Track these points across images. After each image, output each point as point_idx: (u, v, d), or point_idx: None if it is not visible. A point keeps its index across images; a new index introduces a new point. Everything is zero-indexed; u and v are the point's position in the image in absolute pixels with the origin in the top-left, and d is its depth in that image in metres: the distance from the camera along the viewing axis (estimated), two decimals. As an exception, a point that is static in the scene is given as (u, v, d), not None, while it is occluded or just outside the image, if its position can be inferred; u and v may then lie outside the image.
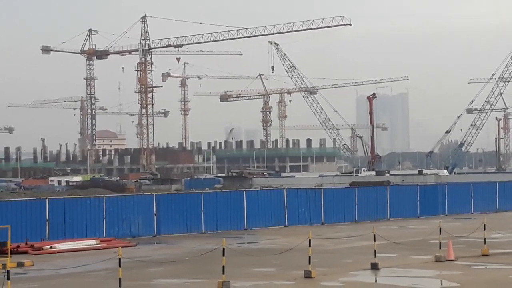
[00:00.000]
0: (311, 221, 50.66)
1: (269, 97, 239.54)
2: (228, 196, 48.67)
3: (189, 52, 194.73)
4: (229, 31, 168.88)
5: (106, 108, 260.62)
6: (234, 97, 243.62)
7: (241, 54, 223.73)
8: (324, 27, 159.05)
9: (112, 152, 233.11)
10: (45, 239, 38.86)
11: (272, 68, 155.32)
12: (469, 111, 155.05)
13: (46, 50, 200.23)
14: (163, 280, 26.50)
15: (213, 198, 47.61)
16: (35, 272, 29.42)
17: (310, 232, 27.56)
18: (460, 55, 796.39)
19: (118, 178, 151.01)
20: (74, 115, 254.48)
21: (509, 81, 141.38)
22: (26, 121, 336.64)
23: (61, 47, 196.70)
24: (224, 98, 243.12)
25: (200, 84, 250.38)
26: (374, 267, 28.29)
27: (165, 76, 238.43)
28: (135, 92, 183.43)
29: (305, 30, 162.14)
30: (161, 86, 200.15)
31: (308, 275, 26.09)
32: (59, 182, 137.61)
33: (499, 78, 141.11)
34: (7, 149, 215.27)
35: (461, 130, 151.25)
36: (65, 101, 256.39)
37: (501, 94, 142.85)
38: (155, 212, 44.17)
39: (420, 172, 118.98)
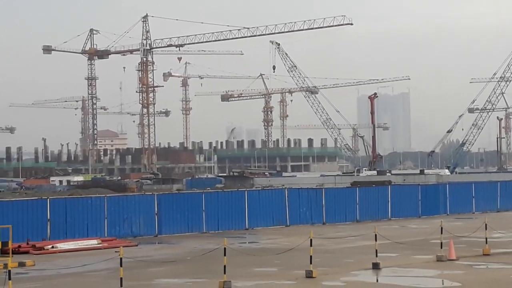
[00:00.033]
0: (312, 221, 50.65)
1: (271, 96, 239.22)
2: (229, 196, 48.61)
3: (190, 52, 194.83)
4: (230, 30, 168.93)
5: (108, 108, 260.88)
6: (236, 97, 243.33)
7: (242, 54, 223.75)
8: (326, 27, 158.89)
9: (114, 152, 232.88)
10: (46, 239, 38.85)
11: (274, 67, 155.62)
12: (471, 110, 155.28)
13: (47, 50, 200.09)
14: (164, 280, 26.49)
15: (215, 198, 47.59)
16: (37, 272, 29.40)
17: (312, 232, 27.58)
18: (460, 55, 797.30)
19: (119, 178, 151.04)
20: (76, 115, 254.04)
21: (510, 80, 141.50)
22: (27, 121, 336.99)
23: (62, 46, 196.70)
24: (225, 97, 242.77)
25: (201, 84, 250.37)
26: (376, 266, 28.26)
27: (167, 75, 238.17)
28: (136, 91, 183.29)
29: (306, 29, 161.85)
30: (163, 86, 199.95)
31: (309, 275, 26.09)
32: (61, 182, 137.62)
33: (500, 77, 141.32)
34: (8, 149, 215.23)
35: (462, 129, 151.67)
36: (66, 101, 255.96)
37: (502, 93, 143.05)
38: (156, 212, 44.15)
39: (422, 172, 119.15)
